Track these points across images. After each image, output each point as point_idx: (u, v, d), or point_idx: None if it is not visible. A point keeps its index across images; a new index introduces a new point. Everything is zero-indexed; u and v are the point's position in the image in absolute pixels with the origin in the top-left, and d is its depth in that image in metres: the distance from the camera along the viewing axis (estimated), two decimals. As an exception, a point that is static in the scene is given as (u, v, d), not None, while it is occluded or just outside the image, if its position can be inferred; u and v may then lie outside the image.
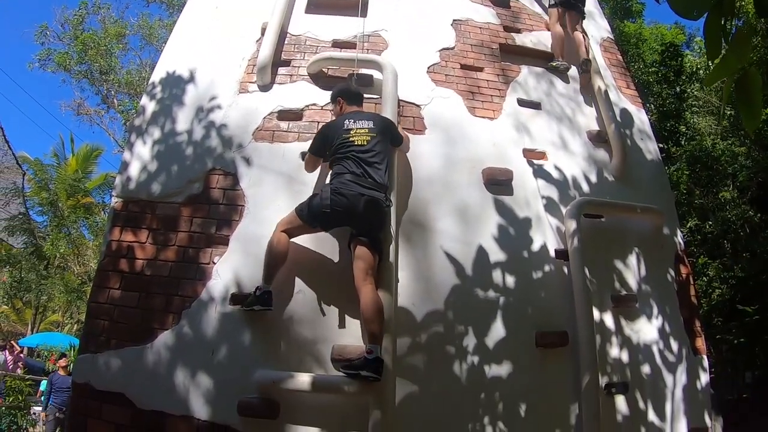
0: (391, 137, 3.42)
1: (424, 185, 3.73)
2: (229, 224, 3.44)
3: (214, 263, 3.31)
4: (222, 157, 3.70)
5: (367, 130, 3.26)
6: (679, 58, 12.02)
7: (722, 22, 1.53)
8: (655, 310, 3.89)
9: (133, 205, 3.58)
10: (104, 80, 18.34)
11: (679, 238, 4.37)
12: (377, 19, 4.63)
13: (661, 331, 3.84)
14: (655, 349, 3.78)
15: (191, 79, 4.13)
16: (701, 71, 12.33)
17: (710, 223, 11.64)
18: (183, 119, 3.92)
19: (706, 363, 3.93)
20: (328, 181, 3.32)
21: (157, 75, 4.22)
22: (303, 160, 3.55)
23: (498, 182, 3.85)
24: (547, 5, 5.28)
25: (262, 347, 3.10)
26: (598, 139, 4.45)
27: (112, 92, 18.95)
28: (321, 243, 3.38)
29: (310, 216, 3.13)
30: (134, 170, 3.72)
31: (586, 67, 4.76)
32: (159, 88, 4.12)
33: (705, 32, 1.60)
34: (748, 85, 1.60)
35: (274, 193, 3.57)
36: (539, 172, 4.04)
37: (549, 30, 5.10)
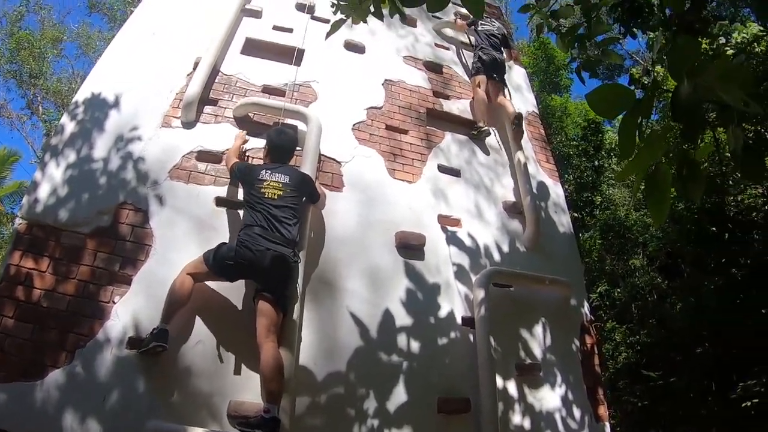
0: (307, 194, 3.41)
1: (337, 244, 3.71)
2: (134, 263, 3.27)
3: (114, 303, 3.12)
4: (135, 192, 3.54)
5: (281, 185, 3.24)
6: (600, 134, 12.86)
7: (638, 121, 1.59)
8: (559, 379, 4.00)
9: (37, 230, 3.33)
10: (33, 84, 17.31)
11: (585, 309, 4.54)
12: (310, 69, 4.65)
13: (564, 399, 3.93)
14: (557, 416, 3.85)
15: (116, 104, 3.97)
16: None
17: (619, 289, 12.25)
18: (101, 146, 3.74)
19: (608, 430, 4.05)
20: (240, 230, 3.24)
21: (81, 94, 4.03)
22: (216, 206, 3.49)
23: (410, 246, 3.89)
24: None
25: (156, 396, 2.92)
26: (513, 210, 4.61)
27: (39, 98, 17.93)
28: (228, 290, 3.27)
29: (215, 265, 3.04)
30: (44, 192, 3.49)
31: (519, 122, 4.96)
32: (81, 109, 3.93)
33: (620, 132, 1.64)
34: (658, 180, 1.65)
35: (185, 236, 3.43)
36: (452, 239, 4.11)
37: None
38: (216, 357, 3.10)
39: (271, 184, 3.23)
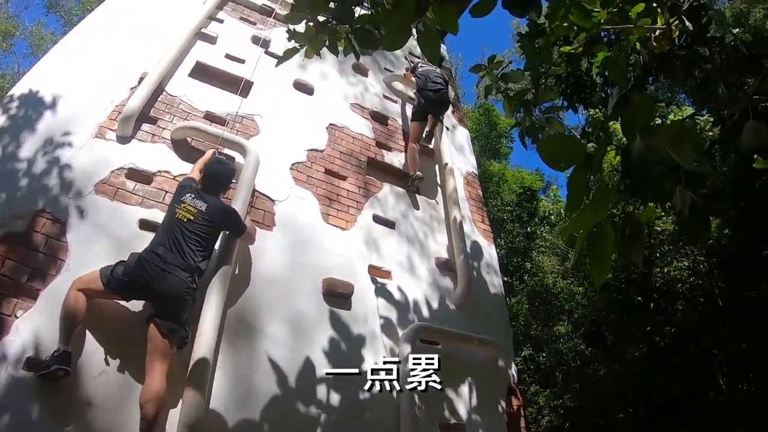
0: (228, 226, 3.30)
1: (262, 284, 3.53)
2: (44, 277, 2.96)
3: (17, 317, 2.79)
4: (56, 201, 3.27)
5: (195, 211, 3.12)
6: (534, 201, 13.38)
7: (587, 177, 1.57)
8: (484, 441, 3.86)
9: None
10: None
11: (513, 370, 4.50)
12: (256, 103, 4.59)
13: (489, 461, 3.78)
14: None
15: (52, 105, 3.73)
16: (552, 216, 13.78)
17: (544, 354, 12.45)
18: (29, 146, 3.48)
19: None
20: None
21: (18, 89, 3.77)
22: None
23: (338, 294, 3.75)
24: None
25: (51, 425, 2.59)
26: (445, 267, 4.59)
27: (-20, 93, 16.75)
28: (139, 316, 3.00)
29: (112, 281, 2.82)
30: None
31: (429, 138, 5.32)
32: (16, 104, 3.68)
33: (569, 185, 1.63)
34: (601, 240, 1.63)
35: (101, 255, 3.13)
36: (381, 291, 4.02)
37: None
38: (120, 388, 2.80)
39: (187, 207, 3.11)
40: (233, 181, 3.68)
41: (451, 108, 6.63)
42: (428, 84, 5.48)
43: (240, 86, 4.36)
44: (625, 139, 1.55)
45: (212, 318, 3.02)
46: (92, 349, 2.85)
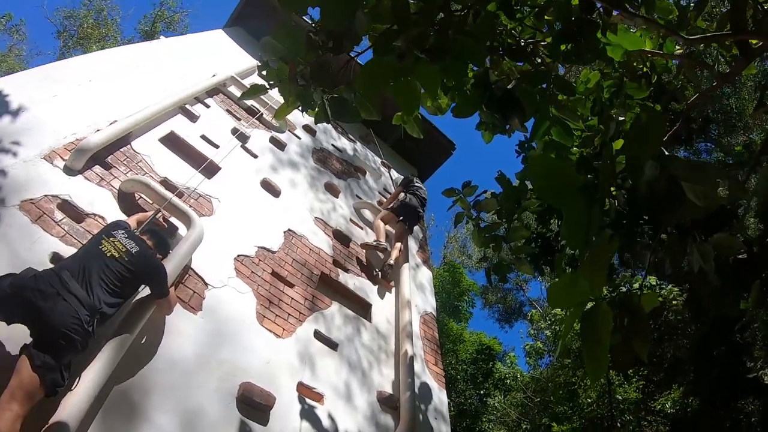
0: (151, 281, 2.90)
1: (162, 364, 2.93)
2: None
3: None
4: None
5: (125, 251, 2.77)
6: (491, 363, 12.73)
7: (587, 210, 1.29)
8: None
9: None
10: None
11: None
12: (218, 186, 4.41)
13: None
14: None
15: (15, 112, 3.56)
16: (508, 380, 12.96)
17: None
18: None
19: None
20: None
21: None
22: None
23: (254, 404, 3.09)
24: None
25: None
26: (388, 402, 4.04)
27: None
28: None
29: None
30: None
31: (388, 269, 5.26)
32: None
33: (564, 216, 1.34)
34: (597, 323, 1.30)
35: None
36: (308, 414, 3.38)
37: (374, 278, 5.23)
38: None
39: (115, 243, 2.77)
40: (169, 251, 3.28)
41: (417, 247, 6.51)
42: (413, 199, 5.98)
43: (206, 165, 4.21)
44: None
45: (92, 380, 2.42)
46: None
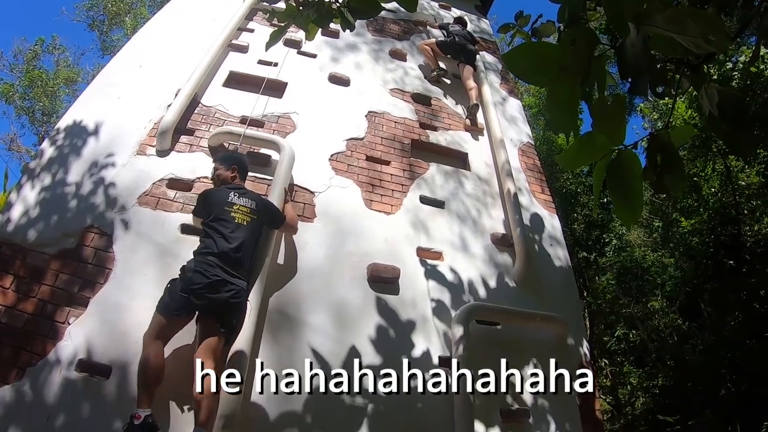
0: (270, 220, 3.26)
1: (303, 275, 3.49)
2: (93, 286, 3.16)
3: (69, 324, 3.00)
4: (102, 216, 3.50)
5: (249, 210, 3.12)
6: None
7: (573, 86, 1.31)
8: (553, 427, 3.58)
9: (6, 248, 3.28)
10: (45, 121, 17.56)
11: (584, 348, 4.15)
12: (291, 101, 4.63)
13: (560, 449, 3.52)
14: (551, 469, 3.44)
15: (95, 132, 4.03)
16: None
17: (634, 332, 11.67)
18: (76, 171, 3.76)
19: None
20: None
21: (64, 122, 4.10)
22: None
23: (383, 280, 3.64)
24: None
25: (101, 422, 2.71)
26: (502, 242, 4.34)
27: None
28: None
29: (173, 304, 2.76)
30: (16, 212, 3.48)
31: (473, 112, 5.30)
32: (62, 135, 4.00)
33: (546, 98, 1.38)
34: (623, 170, 1.37)
35: (145, 261, 3.31)
36: (432, 273, 3.85)
37: (464, 127, 5.34)
38: (170, 392, 2.80)
39: (241, 208, 3.10)
40: (269, 177, 3.71)
41: (499, 80, 6.37)
42: (456, 40, 5.95)
43: (274, 88, 4.42)
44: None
45: (251, 309, 3.01)
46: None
